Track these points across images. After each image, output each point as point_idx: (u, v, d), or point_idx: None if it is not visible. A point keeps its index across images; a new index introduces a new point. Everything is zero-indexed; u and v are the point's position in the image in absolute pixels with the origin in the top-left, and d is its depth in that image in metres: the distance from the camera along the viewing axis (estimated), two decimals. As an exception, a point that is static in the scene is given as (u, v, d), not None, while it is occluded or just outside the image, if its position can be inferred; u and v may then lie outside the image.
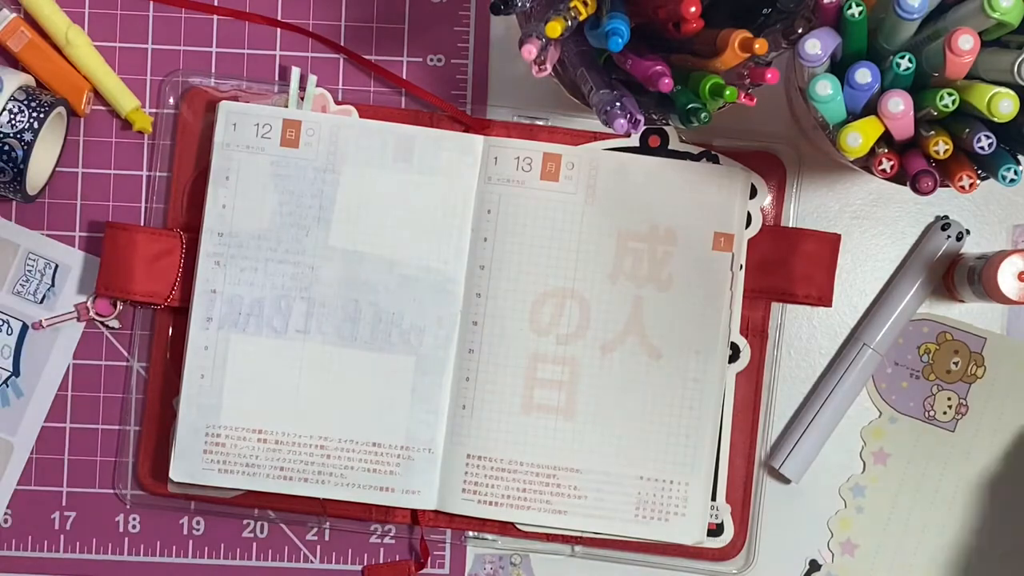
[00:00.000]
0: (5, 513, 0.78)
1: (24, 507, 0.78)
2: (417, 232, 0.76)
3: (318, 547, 0.79)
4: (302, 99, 0.77)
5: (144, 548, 0.79)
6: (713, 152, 0.77)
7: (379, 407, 0.76)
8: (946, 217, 0.79)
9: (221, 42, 0.79)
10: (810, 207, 0.79)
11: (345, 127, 0.76)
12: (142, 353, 0.78)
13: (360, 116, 0.77)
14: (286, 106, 0.77)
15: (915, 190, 0.63)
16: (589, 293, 0.76)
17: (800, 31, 0.62)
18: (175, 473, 0.75)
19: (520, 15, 0.66)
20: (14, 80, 0.74)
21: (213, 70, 0.79)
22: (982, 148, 0.61)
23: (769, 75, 0.62)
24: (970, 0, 0.60)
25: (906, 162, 0.65)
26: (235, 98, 0.77)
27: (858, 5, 0.61)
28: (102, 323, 0.78)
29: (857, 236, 0.79)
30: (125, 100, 0.78)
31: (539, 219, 0.76)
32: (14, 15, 0.77)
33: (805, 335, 0.79)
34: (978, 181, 0.63)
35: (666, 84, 0.62)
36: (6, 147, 0.73)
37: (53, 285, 0.78)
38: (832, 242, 0.77)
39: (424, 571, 0.78)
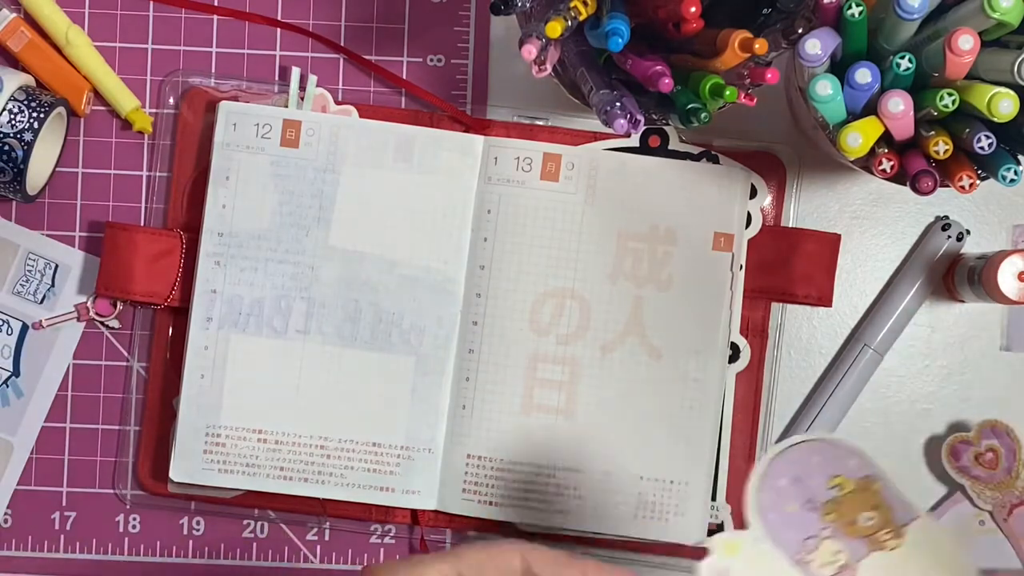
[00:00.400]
0: (5, 513, 0.78)
1: (24, 507, 0.78)
2: (417, 232, 0.76)
3: (318, 547, 0.79)
4: (302, 99, 0.77)
5: (144, 548, 0.79)
6: (713, 152, 0.77)
7: (379, 407, 0.76)
8: (946, 217, 0.79)
9: (221, 42, 0.79)
10: (810, 207, 0.79)
11: (345, 127, 0.76)
12: (142, 353, 0.78)
13: (360, 116, 0.77)
14: (286, 106, 0.77)
15: (915, 190, 0.63)
16: (589, 293, 0.76)
17: (800, 31, 0.62)
18: (175, 473, 0.75)
19: (520, 15, 0.66)
20: (14, 80, 0.74)
21: (213, 70, 0.79)
22: (982, 148, 0.61)
23: (769, 75, 0.62)
24: (970, 0, 0.60)
25: (906, 162, 0.65)
26: (235, 98, 0.77)
27: (858, 5, 0.61)
28: (102, 323, 0.78)
29: (857, 236, 0.79)
30: (125, 100, 0.78)
31: (539, 219, 0.76)
32: (14, 15, 0.77)
33: (805, 335, 0.79)
34: (978, 181, 0.64)
35: (666, 84, 0.62)
36: (6, 147, 0.73)
37: (53, 285, 0.78)
38: (832, 242, 0.77)
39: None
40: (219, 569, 0.79)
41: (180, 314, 0.77)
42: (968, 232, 0.78)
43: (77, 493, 0.79)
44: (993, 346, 0.79)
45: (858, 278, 0.79)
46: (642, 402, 0.76)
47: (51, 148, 0.77)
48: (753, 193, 0.77)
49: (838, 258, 0.77)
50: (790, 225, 0.78)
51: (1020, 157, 0.63)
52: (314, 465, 0.76)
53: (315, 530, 0.79)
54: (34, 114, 0.73)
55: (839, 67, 0.64)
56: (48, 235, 0.79)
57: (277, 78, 0.79)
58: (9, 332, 0.78)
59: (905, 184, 0.64)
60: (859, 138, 0.63)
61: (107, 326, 0.78)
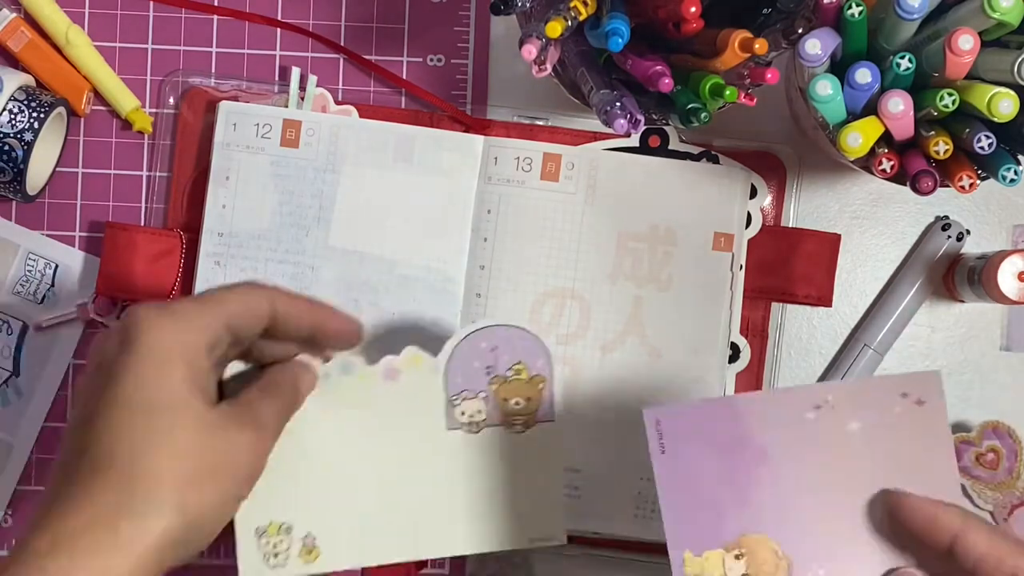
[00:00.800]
0: (5, 513, 0.78)
1: (24, 507, 0.78)
2: (417, 232, 0.76)
3: (318, 547, 0.79)
4: (302, 99, 0.77)
5: (144, 548, 0.79)
6: (713, 152, 0.77)
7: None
8: (946, 217, 0.79)
9: (221, 42, 0.79)
10: (810, 207, 0.79)
11: (345, 127, 0.76)
12: (142, 353, 0.78)
13: (360, 116, 0.77)
14: (286, 106, 0.77)
15: (915, 190, 0.63)
16: (589, 293, 0.76)
17: (800, 31, 0.62)
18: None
19: (520, 15, 0.66)
20: (14, 80, 0.74)
21: (213, 70, 0.79)
22: (982, 148, 0.61)
23: (769, 75, 0.62)
24: (970, 0, 0.60)
25: (906, 162, 0.65)
26: (235, 98, 0.77)
27: (858, 5, 0.61)
28: (102, 323, 0.78)
29: (857, 236, 0.79)
30: (125, 100, 0.78)
31: (539, 219, 0.76)
32: (14, 15, 0.77)
33: (805, 335, 0.79)
34: (978, 181, 0.64)
35: (666, 84, 0.62)
36: (6, 147, 0.73)
37: (53, 285, 0.78)
38: (832, 242, 0.77)
39: (424, 571, 0.78)
40: (219, 569, 0.79)
41: (180, 314, 0.77)
42: (968, 232, 0.78)
43: (77, 493, 0.78)
44: (993, 346, 0.79)
45: (858, 278, 0.79)
46: (643, 402, 0.76)
47: (51, 148, 0.77)
48: (753, 193, 0.77)
49: (838, 258, 0.77)
50: (790, 225, 0.78)
51: (1020, 157, 0.63)
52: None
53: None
54: (34, 114, 0.73)
55: (839, 67, 0.64)
56: (48, 235, 0.79)
57: (277, 78, 0.79)
58: (9, 332, 0.78)
59: (905, 184, 0.64)
60: (859, 138, 0.63)
61: (107, 326, 0.78)
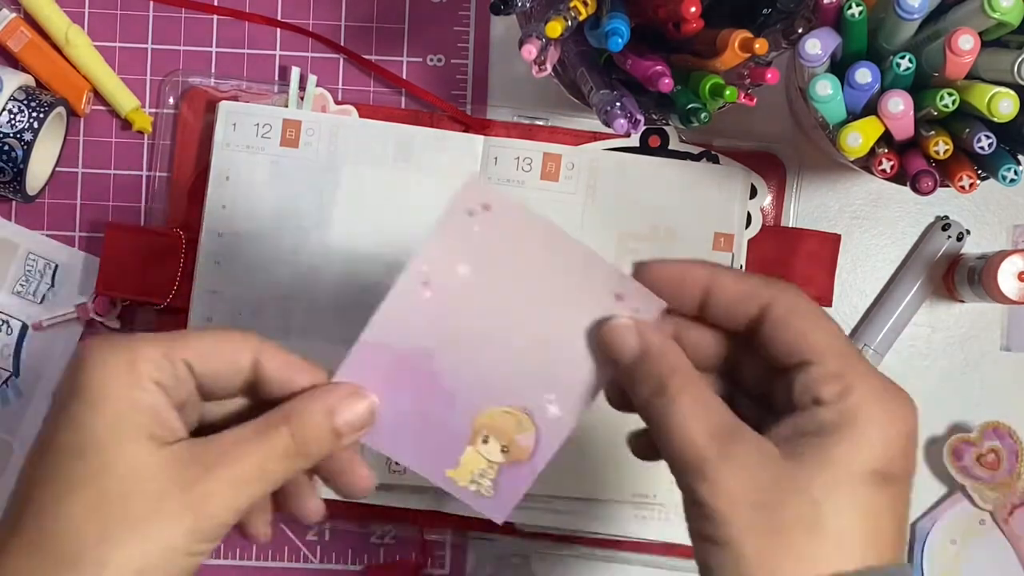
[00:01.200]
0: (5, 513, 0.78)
1: (24, 507, 0.78)
2: (417, 232, 0.76)
3: (318, 547, 0.79)
4: (302, 99, 0.77)
5: (144, 548, 0.79)
6: (713, 152, 0.77)
7: (379, 407, 0.76)
8: (946, 217, 0.79)
9: (221, 42, 0.79)
10: (810, 207, 0.79)
11: (345, 127, 0.76)
12: (142, 353, 0.78)
13: (360, 116, 0.77)
14: (286, 106, 0.77)
15: (915, 190, 0.63)
16: (589, 293, 0.76)
17: (800, 31, 0.62)
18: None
19: (520, 15, 0.66)
20: (14, 80, 0.74)
21: (213, 70, 0.79)
22: (982, 148, 0.61)
23: (769, 75, 0.62)
24: (970, 0, 0.60)
25: (906, 162, 0.65)
26: (235, 98, 0.77)
27: (858, 5, 0.61)
28: (102, 323, 0.78)
29: (857, 236, 0.79)
30: (125, 100, 0.78)
31: (539, 219, 0.76)
32: (14, 15, 0.77)
33: (805, 335, 0.79)
34: (978, 181, 0.64)
35: (666, 84, 0.62)
36: (6, 147, 0.73)
37: (53, 285, 0.78)
38: (832, 242, 0.77)
39: (424, 571, 0.78)
40: (219, 569, 0.79)
41: (180, 314, 0.77)
42: (968, 232, 0.78)
43: (77, 493, 0.78)
44: (993, 346, 0.79)
45: (858, 278, 0.79)
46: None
47: (51, 148, 0.77)
48: (753, 193, 0.77)
49: (838, 258, 0.77)
50: (790, 225, 0.78)
51: (1020, 157, 0.63)
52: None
53: (315, 530, 0.79)
54: (34, 114, 0.73)
55: (839, 67, 0.64)
56: (48, 235, 0.79)
57: (277, 78, 0.79)
58: (9, 332, 0.78)
59: (905, 184, 0.64)
60: (859, 138, 0.63)
61: (107, 326, 0.78)
